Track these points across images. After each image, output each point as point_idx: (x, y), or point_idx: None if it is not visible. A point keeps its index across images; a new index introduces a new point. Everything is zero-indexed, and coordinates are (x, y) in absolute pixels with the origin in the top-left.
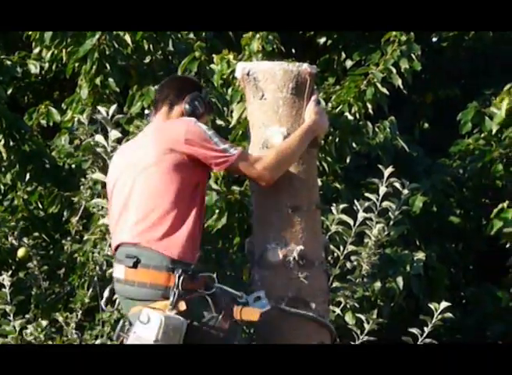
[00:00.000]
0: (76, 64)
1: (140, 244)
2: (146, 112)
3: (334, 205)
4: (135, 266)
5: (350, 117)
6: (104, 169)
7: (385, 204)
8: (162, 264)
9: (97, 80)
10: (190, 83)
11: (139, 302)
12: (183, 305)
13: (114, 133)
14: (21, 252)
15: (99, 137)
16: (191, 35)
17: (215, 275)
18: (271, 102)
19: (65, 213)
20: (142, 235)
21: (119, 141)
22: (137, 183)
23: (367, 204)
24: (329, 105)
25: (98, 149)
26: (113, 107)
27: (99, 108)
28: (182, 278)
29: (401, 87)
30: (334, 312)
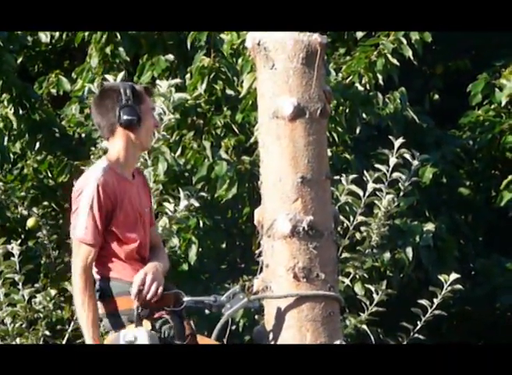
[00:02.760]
0: (87, 33)
1: (100, 277)
2: (157, 82)
3: (344, 175)
4: (101, 298)
5: (361, 88)
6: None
7: (395, 175)
8: (123, 289)
9: (108, 50)
10: (107, 98)
11: (113, 332)
12: (147, 325)
13: None
14: (31, 222)
15: None
16: None
17: (181, 291)
18: (281, 72)
19: (74, 182)
20: (98, 269)
21: None
22: None
23: (376, 175)
24: (340, 75)
25: None
26: (120, 75)
27: (107, 76)
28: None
29: (411, 58)
30: (343, 282)
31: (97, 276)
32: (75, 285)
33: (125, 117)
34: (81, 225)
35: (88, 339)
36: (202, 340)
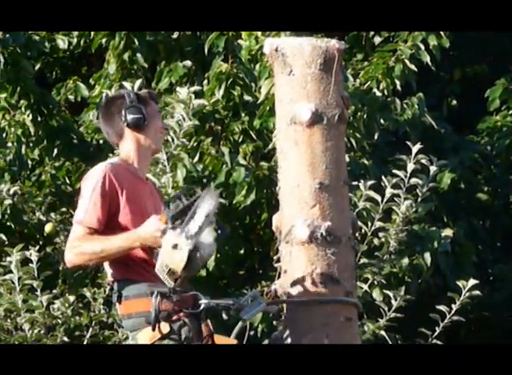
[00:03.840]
0: (104, 39)
1: (117, 279)
2: (177, 89)
3: (362, 181)
4: (119, 300)
5: (378, 93)
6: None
7: (413, 181)
8: (140, 291)
9: (125, 56)
10: (113, 105)
11: (131, 334)
12: (166, 327)
13: None
14: (48, 227)
15: None
16: None
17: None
18: (299, 78)
19: None
20: (115, 272)
21: None
22: None
23: (394, 180)
24: (357, 81)
25: None
26: (138, 81)
27: (124, 83)
28: (158, 299)
29: (429, 63)
30: (361, 288)
31: (114, 279)
32: (72, 256)
33: (131, 117)
34: (81, 208)
35: (122, 241)
36: (220, 341)
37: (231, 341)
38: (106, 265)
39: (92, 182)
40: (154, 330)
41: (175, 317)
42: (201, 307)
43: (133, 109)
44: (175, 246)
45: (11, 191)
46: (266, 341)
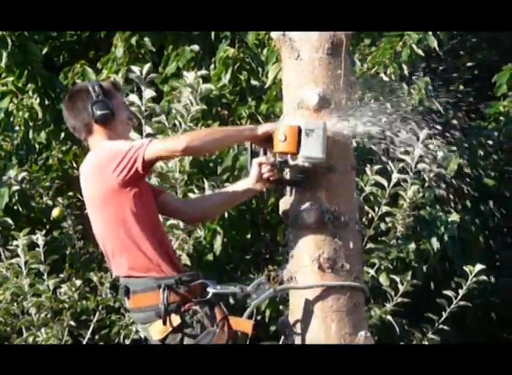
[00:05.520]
0: None
1: (124, 274)
2: (184, 73)
3: (368, 166)
4: (127, 296)
5: (386, 78)
6: (139, 129)
7: (420, 166)
8: (147, 285)
9: (133, 40)
10: (78, 99)
11: (141, 326)
12: (176, 320)
13: (148, 93)
14: (56, 212)
15: (133, 97)
16: None
17: (206, 281)
18: (306, 63)
19: None
20: (120, 267)
21: (153, 100)
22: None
23: (401, 165)
24: (365, 66)
25: (133, 108)
26: (147, 66)
27: (132, 67)
28: (166, 293)
29: (437, 48)
30: (368, 273)
31: (121, 274)
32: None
33: (98, 112)
34: (132, 144)
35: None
36: (236, 321)
37: (247, 321)
38: (110, 261)
39: (122, 146)
40: (165, 324)
41: (184, 308)
42: (209, 295)
43: (100, 105)
44: None
45: (19, 177)
46: (273, 327)
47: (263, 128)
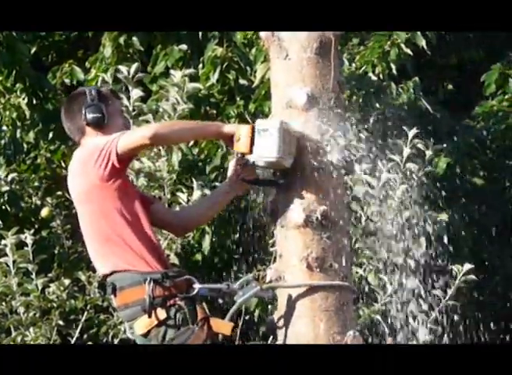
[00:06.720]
0: None
1: (110, 270)
2: (171, 71)
3: (358, 165)
4: (114, 293)
5: (374, 78)
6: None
7: (409, 165)
8: (133, 280)
9: (121, 39)
10: (74, 102)
11: (128, 324)
12: (162, 314)
13: (136, 93)
14: (44, 211)
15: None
16: None
17: (192, 277)
18: (295, 62)
19: None
20: (106, 263)
21: (142, 100)
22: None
23: (390, 165)
24: (353, 65)
25: None
26: (134, 66)
27: (120, 67)
28: (151, 286)
29: (425, 48)
30: (357, 272)
31: (107, 271)
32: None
33: (90, 116)
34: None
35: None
36: (216, 323)
37: (226, 323)
38: (97, 258)
39: (102, 141)
40: (150, 316)
41: (170, 302)
42: (195, 291)
43: (93, 108)
44: None
45: (8, 178)
46: (263, 327)
47: (229, 127)
